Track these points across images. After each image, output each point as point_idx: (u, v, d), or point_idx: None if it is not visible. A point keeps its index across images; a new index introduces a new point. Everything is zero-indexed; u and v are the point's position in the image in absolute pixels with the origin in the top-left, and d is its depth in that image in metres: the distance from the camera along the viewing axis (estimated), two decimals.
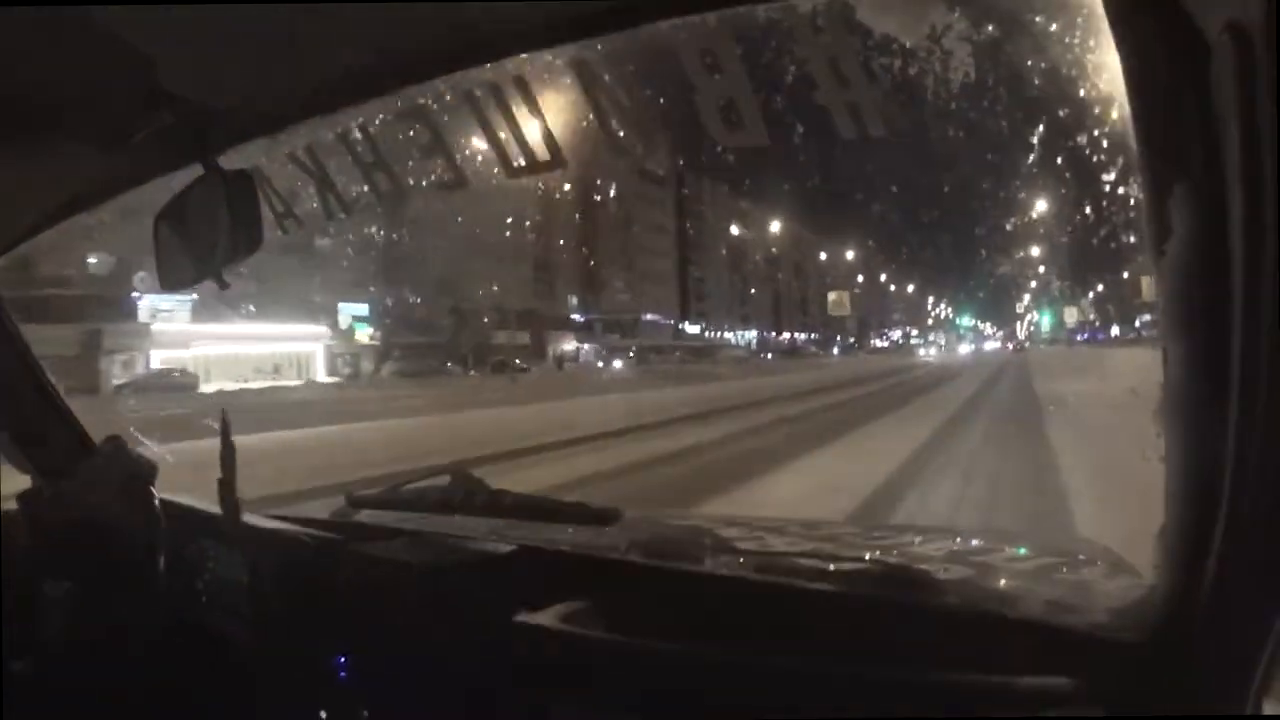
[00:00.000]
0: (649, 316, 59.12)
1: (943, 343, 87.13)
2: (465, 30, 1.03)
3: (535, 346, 46.88)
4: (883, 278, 78.57)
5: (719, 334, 67.57)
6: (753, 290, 72.86)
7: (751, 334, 71.05)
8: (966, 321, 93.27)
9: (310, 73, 1.13)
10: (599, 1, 0.98)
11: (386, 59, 1.10)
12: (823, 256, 74.43)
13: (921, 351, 68.18)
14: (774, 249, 71.30)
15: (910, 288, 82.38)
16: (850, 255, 73.54)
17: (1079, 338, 59.44)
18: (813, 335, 75.18)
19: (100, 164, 1.31)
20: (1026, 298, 74.91)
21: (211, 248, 1.29)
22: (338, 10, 0.95)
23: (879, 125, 0.92)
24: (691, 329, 64.91)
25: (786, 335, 73.69)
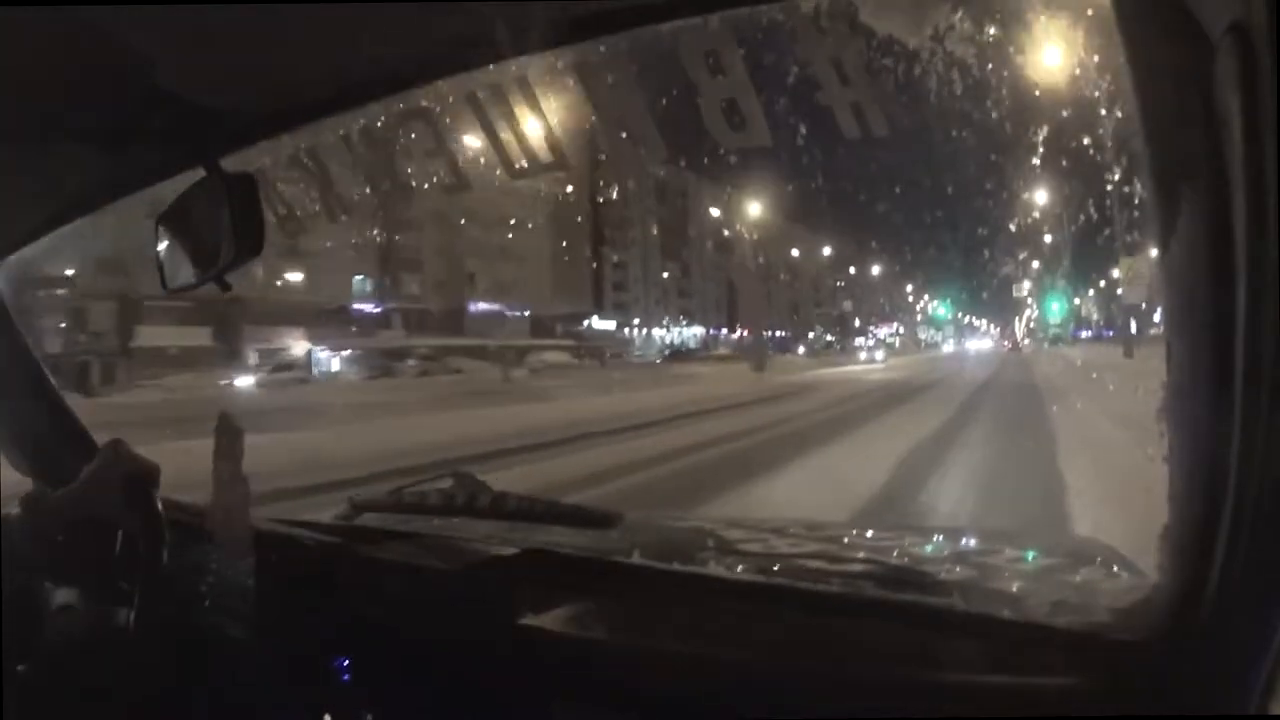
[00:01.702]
0: (480, 306, 45.19)
1: (924, 339, 75.31)
2: (467, 33, 1.03)
3: (227, 350, 31.79)
4: (833, 258, 68.09)
5: (644, 331, 56.41)
6: (686, 279, 60.57)
7: (694, 331, 60.05)
8: (945, 313, 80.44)
9: (312, 74, 1.13)
10: (601, 3, 0.98)
11: (388, 61, 1.10)
12: (790, 246, 63.54)
13: (863, 356, 51.17)
14: (726, 232, 58.84)
15: (876, 270, 72.28)
16: (809, 243, 63.85)
17: (1081, 334, 48.89)
18: (778, 334, 63.59)
19: (101, 166, 1.31)
20: (1027, 284, 62.68)
21: (214, 250, 1.29)
22: (339, 11, 0.95)
23: (880, 122, 0.92)
24: (602, 324, 52.58)
25: (740, 334, 61.68)
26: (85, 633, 1.28)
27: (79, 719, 1.26)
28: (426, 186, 1.32)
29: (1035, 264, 56.46)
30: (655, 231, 55.53)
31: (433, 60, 1.10)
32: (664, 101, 1.05)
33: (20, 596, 1.21)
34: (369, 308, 40.41)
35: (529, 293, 47.71)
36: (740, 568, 1.32)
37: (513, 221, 43.60)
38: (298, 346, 35.77)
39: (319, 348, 36.27)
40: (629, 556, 1.35)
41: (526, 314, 48.10)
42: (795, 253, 65.94)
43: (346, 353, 36.67)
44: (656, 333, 58.59)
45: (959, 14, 0.99)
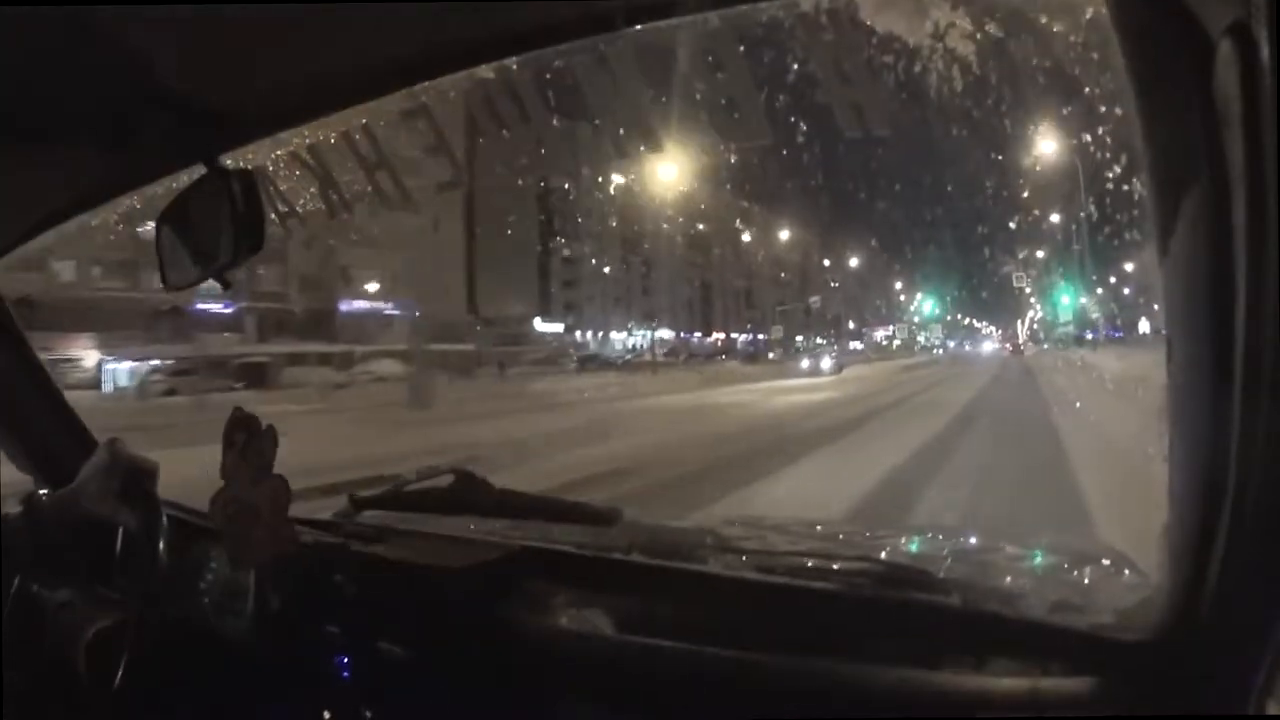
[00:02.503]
0: (354, 305, 36.41)
1: (920, 342, 66.93)
2: (466, 31, 1.03)
3: None
4: (798, 245, 59.92)
5: (599, 334, 48.66)
6: (652, 275, 51.74)
7: (660, 335, 50.59)
8: (935, 311, 71.75)
9: (312, 72, 1.13)
10: (601, 2, 0.97)
11: (388, 59, 1.10)
12: (761, 238, 56.22)
13: (804, 366, 36.47)
14: (701, 225, 50.72)
15: (854, 262, 64.87)
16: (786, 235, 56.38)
17: (1086, 335, 41.74)
18: (758, 337, 56.96)
19: (103, 165, 1.31)
20: (1029, 281, 55.20)
21: (214, 247, 1.29)
22: (338, 10, 0.95)
23: (879, 119, 0.92)
24: (548, 327, 45.36)
25: (719, 337, 55.58)
26: (84, 631, 1.29)
27: (79, 718, 1.26)
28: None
29: (1040, 254, 49.36)
30: (615, 223, 45.30)
31: (433, 58, 1.10)
32: (663, 98, 1.04)
33: (20, 595, 1.21)
34: (217, 307, 31.80)
35: (431, 290, 38.35)
36: (739, 565, 1.32)
37: (410, 204, 33.34)
38: (89, 357, 29.17)
39: (111, 358, 29.56)
40: (628, 554, 1.35)
41: (418, 314, 38.13)
42: (748, 238, 57.77)
43: (154, 363, 29.80)
44: (616, 336, 50.73)
45: (959, 11, 0.99)
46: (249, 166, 1.30)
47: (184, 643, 1.31)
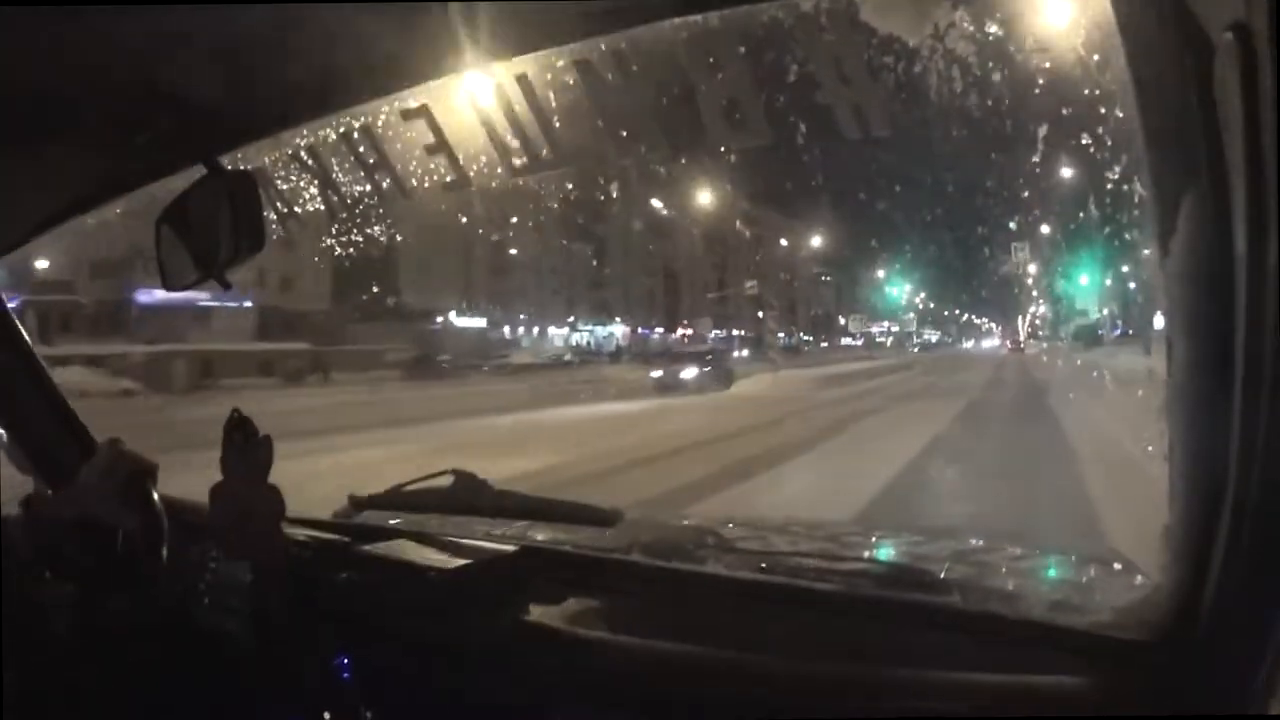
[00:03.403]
0: (155, 297, 27.03)
1: (922, 338, 59.88)
2: (466, 32, 1.03)
3: None
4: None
5: (531, 330, 42.48)
6: (604, 264, 46.33)
7: (610, 330, 46.35)
8: (894, 296, 61.41)
9: (312, 73, 1.13)
10: (601, 1, 0.97)
11: (388, 60, 1.10)
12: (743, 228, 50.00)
13: (656, 377, 24.79)
14: (666, 211, 44.95)
15: (848, 259, 56.35)
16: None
17: (1102, 333, 35.68)
18: (732, 333, 49.79)
19: (102, 165, 1.31)
20: (1032, 272, 49.22)
21: (213, 248, 1.29)
22: (338, 11, 0.95)
23: (882, 123, 0.92)
24: (466, 322, 38.71)
25: (687, 333, 47.04)
26: (85, 631, 1.29)
27: (79, 718, 1.26)
28: None
29: (1045, 229, 40.94)
30: (557, 202, 34.55)
31: (434, 59, 1.10)
32: (663, 100, 1.04)
33: (20, 596, 1.21)
34: None
35: (273, 277, 32.22)
36: (740, 566, 1.32)
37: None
38: None
39: None
40: (628, 554, 1.35)
41: (247, 305, 31.86)
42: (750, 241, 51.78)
43: None
44: (555, 332, 44.22)
45: (959, 12, 0.99)
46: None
47: (184, 643, 1.30)
